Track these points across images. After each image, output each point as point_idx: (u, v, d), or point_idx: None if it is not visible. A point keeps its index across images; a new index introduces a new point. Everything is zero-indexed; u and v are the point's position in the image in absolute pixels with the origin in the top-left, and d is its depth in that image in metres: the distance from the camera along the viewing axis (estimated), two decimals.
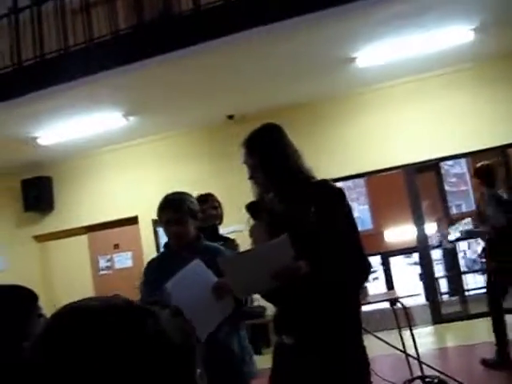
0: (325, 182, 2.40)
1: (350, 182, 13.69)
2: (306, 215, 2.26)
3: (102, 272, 9.27)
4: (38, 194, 9.13)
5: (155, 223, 8.61)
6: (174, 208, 2.99)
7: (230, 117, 7.87)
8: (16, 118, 6.87)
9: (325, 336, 2.27)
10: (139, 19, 6.07)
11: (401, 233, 15.28)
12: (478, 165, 5.52)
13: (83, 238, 9.38)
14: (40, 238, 9.57)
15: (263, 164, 2.35)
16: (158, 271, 3.01)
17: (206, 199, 4.12)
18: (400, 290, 6.72)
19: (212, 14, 5.57)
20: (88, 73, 5.93)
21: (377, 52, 6.30)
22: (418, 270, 10.40)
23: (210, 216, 4.07)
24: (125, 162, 8.86)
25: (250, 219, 2.47)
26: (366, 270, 2.35)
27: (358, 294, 2.50)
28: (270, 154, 2.35)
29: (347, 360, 2.28)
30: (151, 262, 3.24)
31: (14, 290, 1.76)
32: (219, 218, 4.13)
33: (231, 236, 4.45)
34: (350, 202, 2.38)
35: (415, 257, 12.63)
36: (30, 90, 6.36)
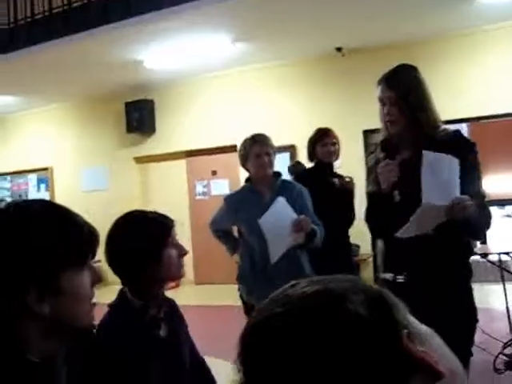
0: (460, 132, 2.36)
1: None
2: None
3: (198, 197, 9.49)
4: (140, 116, 9.33)
5: None
6: (264, 142, 3.29)
7: (339, 49, 7.63)
8: (124, 40, 6.96)
9: (439, 277, 2.22)
10: None
11: (497, 183, 14.65)
12: None
13: (182, 163, 9.58)
14: (140, 160, 9.85)
15: (401, 99, 2.26)
16: (239, 203, 3.35)
17: (326, 134, 4.00)
18: (493, 243, 6.41)
19: None
20: None
21: None
22: None
23: (328, 152, 3.97)
24: (228, 90, 8.85)
25: (381, 155, 2.38)
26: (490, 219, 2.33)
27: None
28: (407, 91, 2.28)
29: (460, 302, 2.27)
30: (234, 194, 3.55)
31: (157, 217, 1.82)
32: (337, 154, 4.03)
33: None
34: None
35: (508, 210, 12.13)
36: (141, 12, 6.39)
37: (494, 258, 5.03)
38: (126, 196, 9.36)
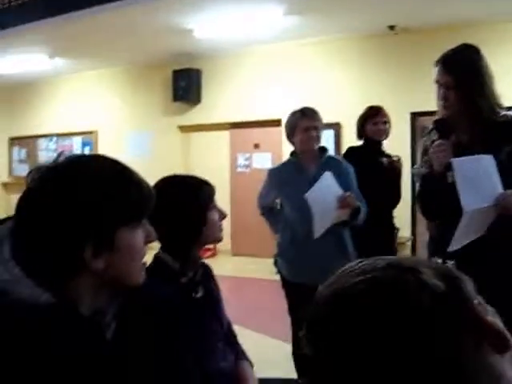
0: None
1: None
2: (498, 153, 2.12)
3: (239, 169, 9.50)
4: (186, 85, 9.34)
5: None
6: (313, 116, 3.24)
7: (392, 27, 7.46)
8: (175, 8, 6.94)
9: (489, 269, 2.16)
10: None
11: None
12: None
13: (225, 134, 9.59)
14: (185, 129, 9.90)
15: (459, 84, 2.19)
16: (283, 176, 3.31)
17: (377, 113, 3.92)
18: None
19: None
20: None
21: None
22: None
23: (379, 130, 3.89)
24: (275, 63, 8.77)
25: (434, 134, 2.34)
26: None
27: None
28: (466, 76, 2.21)
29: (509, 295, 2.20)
30: (277, 168, 3.50)
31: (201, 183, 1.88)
32: (387, 133, 3.95)
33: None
34: None
35: None
36: None
37: None
38: (168, 163, 9.44)
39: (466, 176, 2.09)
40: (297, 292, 3.20)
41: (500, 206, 2.06)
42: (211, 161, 9.52)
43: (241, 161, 9.45)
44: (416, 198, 2.49)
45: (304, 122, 3.20)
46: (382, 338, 0.61)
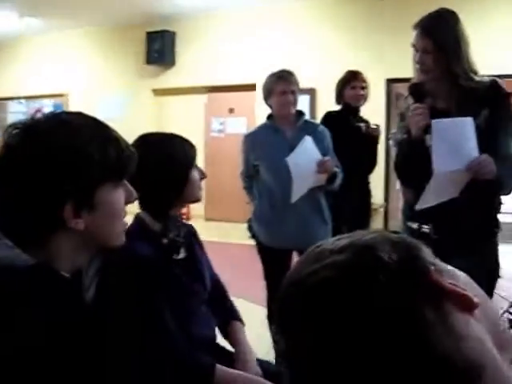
0: (496, 82, 2.25)
1: None
2: (474, 118, 2.13)
3: (213, 134, 9.44)
4: (160, 47, 9.17)
5: None
6: (290, 79, 3.21)
7: None
8: None
9: (464, 230, 2.21)
10: None
11: None
12: None
13: (200, 98, 9.49)
14: (159, 92, 9.76)
15: (437, 49, 2.19)
16: (260, 140, 3.29)
17: (356, 76, 3.90)
18: None
19: None
20: None
21: None
22: None
23: (357, 95, 3.87)
24: (251, 25, 8.64)
25: (410, 99, 2.34)
26: None
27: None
28: (445, 40, 2.20)
29: (483, 257, 2.26)
30: (254, 132, 3.44)
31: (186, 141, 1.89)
32: (365, 98, 3.93)
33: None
34: None
35: None
36: None
37: None
38: (141, 127, 9.30)
39: (443, 138, 2.10)
40: (273, 257, 3.22)
41: (472, 171, 2.08)
42: (185, 125, 9.40)
43: (215, 125, 9.39)
44: (394, 165, 2.49)
45: (280, 86, 3.18)
46: (344, 324, 0.62)
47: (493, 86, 2.23)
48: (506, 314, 3.97)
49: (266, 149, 3.24)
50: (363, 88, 3.88)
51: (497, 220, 2.33)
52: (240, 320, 2.02)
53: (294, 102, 3.22)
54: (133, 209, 1.78)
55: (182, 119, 9.57)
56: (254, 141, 3.34)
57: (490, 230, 2.30)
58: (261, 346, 2.71)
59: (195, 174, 1.85)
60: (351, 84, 3.84)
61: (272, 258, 3.23)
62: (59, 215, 1.01)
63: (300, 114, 3.32)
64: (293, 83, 3.21)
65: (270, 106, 3.29)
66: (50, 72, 10.38)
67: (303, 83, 8.07)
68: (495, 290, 2.38)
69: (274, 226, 3.20)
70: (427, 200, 2.13)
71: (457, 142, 2.11)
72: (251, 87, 8.73)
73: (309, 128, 3.26)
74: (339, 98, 3.93)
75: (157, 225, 1.78)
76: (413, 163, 2.28)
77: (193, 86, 9.28)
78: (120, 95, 9.79)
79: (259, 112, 8.77)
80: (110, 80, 9.90)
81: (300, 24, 8.29)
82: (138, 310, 1.24)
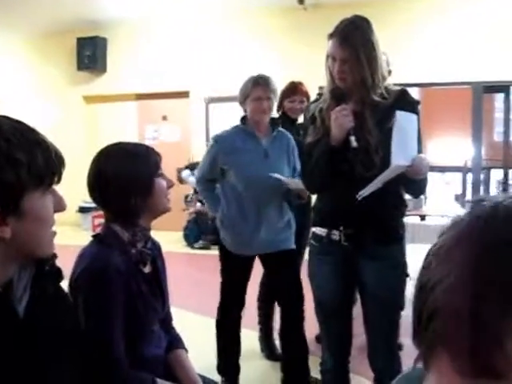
0: (405, 90, 2.34)
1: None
2: (386, 123, 2.20)
3: (147, 142, 9.32)
4: (92, 53, 9.06)
5: (208, 100, 8.56)
6: (266, 85, 3.13)
7: (301, 1, 7.51)
8: None
9: (375, 231, 2.28)
10: None
11: (440, 149, 14.95)
12: None
13: (132, 105, 9.37)
14: (90, 99, 9.59)
15: (353, 58, 2.23)
16: (233, 144, 3.15)
17: (295, 90, 3.89)
18: (431, 206, 6.54)
19: None
20: None
21: None
22: (452, 190, 10.34)
23: (294, 109, 3.87)
24: (183, 33, 8.63)
25: (325, 104, 2.36)
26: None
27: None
28: (362, 50, 2.23)
29: (392, 257, 2.34)
30: (226, 135, 3.26)
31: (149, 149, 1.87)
32: (302, 111, 3.93)
33: None
34: None
35: (448, 176, 12.58)
36: None
37: (432, 221, 5.31)
38: (73, 135, 9.15)
39: (400, 130, 2.13)
40: (238, 264, 3.16)
41: (413, 168, 2.12)
42: (118, 133, 9.23)
43: (149, 133, 9.28)
44: (305, 172, 2.46)
45: (257, 92, 3.12)
46: None
47: (403, 93, 2.30)
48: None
49: (240, 155, 3.12)
50: (302, 102, 3.88)
51: (403, 222, 2.41)
52: (185, 349, 2.00)
53: (269, 109, 3.17)
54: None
55: (115, 127, 9.37)
56: (225, 144, 3.20)
57: (398, 233, 2.36)
58: (203, 359, 2.69)
59: (161, 183, 1.81)
60: (290, 98, 3.85)
61: (237, 265, 3.19)
62: None
63: (274, 122, 3.27)
64: (269, 90, 3.14)
65: (245, 111, 3.21)
66: None
67: (233, 91, 8.10)
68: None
69: (245, 235, 3.11)
70: (370, 189, 2.14)
71: (407, 136, 2.16)
72: (184, 94, 8.71)
73: (282, 136, 3.24)
74: (279, 108, 3.93)
75: (126, 234, 1.75)
76: (331, 166, 2.26)
77: (125, 93, 9.17)
78: (51, 103, 9.54)
79: (193, 120, 8.79)
80: (41, 88, 9.64)
81: (236, 32, 8.34)
82: (77, 319, 1.21)
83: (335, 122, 2.22)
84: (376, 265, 2.29)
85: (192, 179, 7.89)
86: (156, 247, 1.94)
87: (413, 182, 2.21)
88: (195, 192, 8.08)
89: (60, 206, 1.12)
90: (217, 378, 1.97)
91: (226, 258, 3.22)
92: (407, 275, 2.43)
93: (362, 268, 2.32)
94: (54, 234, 1.13)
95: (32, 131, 1.07)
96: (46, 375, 1.10)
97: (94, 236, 1.78)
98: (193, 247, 7.70)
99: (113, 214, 1.77)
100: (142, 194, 1.74)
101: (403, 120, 2.16)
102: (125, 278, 1.66)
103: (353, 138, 2.19)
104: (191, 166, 7.96)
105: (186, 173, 7.99)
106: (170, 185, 1.86)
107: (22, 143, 1.02)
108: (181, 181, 7.90)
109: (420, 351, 0.68)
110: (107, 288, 1.62)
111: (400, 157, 2.11)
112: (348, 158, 2.22)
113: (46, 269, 1.16)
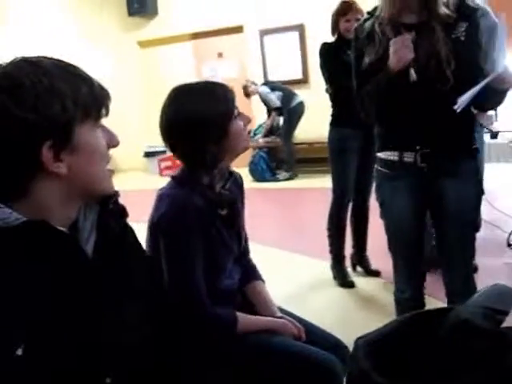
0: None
1: None
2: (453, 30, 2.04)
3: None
4: None
5: (263, 33, 8.39)
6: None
7: None
8: None
9: (448, 149, 2.16)
10: None
11: None
12: None
13: (187, 45, 9.29)
14: (144, 44, 9.57)
15: None
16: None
17: (350, 8, 3.73)
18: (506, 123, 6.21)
19: None
20: None
21: None
22: None
23: (350, 28, 3.71)
24: None
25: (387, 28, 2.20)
26: None
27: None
28: None
29: (467, 174, 2.21)
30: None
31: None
32: None
33: None
34: None
35: None
36: None
37: (504, 139, 5.02)
38: (129, 81, 9.21)
39: (500, 36, 1.99)
40: None
41: (503, 76, 1.94)
42: (176, 74, 9.26)
43: (206, 71, 9.22)
44: (360, 97, 2.25)
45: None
46: None
47: (462, 2, 2.08)
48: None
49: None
50: (358, 20, 3.71)
51: (474, 137, 2.25)
52: (262, 280, 1.99)
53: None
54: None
55: (172, 68, 9.37)
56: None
57: (475, 148, 2.22)
58: (280, 291, 2.70)
59: (237, 124, 1.72)
60: (345, 17, 3.69)
61: None
62: (38, 159, 0.97)
63: None
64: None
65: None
66: (33, 32, 10.14)
67: (291, 20, 7.99)
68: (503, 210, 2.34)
69: None
70: (466, 99, 1.99)
71: (501, 42, 2.00)
72: (239, 29, 8.55)
73: None
74: (334, 29, 3.78)
75: (205, 177, 1.70)
76: (391, 99, 2.12)
77: (178, 34, 9.08)
78: (104, 51, 9.58)
79: (250, 54, 8.65)
80: (92, 35, 9.64)
81: None
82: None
83: (395, 54, 2.07)
84: (456, 183, 2.17)
85: (272, 96, 7.75)
86: (236, 183, 1.88)
87: (494, 92, 2.02)
88: (270, 114, 7.98)
89: (113, 142, 1.11)
90: (292, 308, 1.96)
91: None
92: (483, 192, 2.32)
93: (440, 188, 2.19)
94: (112, 172, 1.12)
95: (73, 66, 1.05)
96: (117, 314, 1.11)
97: (172, 177, 1.75)
98: (277, 179, 7.61)
99: (191, 163, 1.72)
100: (218, 141, 1.66)
101: (502, 26, 2.00)
102: (205, 220, 1.65)
103: (412, 71, 2.05)
104: (270, 84, 7.84)
105: (263, 89, 7.74)
106: (248, 121, 1.78)
107: (64, 76, 1.00)
108: (247, 95, 7.79)
109: None
110: (188, 230, 1.62)
111: (501, 63, 1.96)
112: (407, 92, 2.08)
113: (110, 207, 1.16)
